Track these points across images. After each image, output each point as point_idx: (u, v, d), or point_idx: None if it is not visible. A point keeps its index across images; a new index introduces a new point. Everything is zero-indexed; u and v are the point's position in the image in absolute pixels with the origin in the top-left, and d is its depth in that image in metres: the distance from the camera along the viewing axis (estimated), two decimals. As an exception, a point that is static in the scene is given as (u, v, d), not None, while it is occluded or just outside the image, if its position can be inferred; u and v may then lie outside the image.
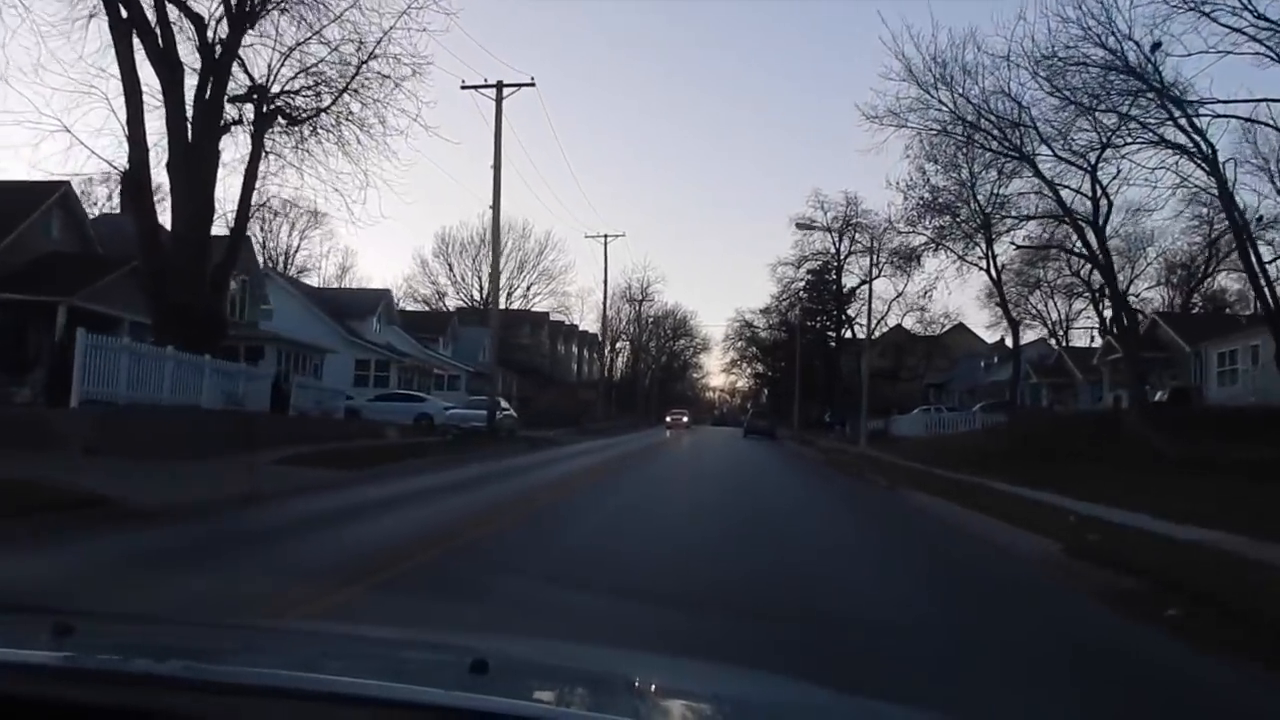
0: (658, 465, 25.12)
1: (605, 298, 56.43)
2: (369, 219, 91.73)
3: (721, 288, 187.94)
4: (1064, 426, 25.39)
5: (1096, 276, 62.82)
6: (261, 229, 71.77)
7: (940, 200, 37.69)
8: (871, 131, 29.74)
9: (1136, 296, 57.49)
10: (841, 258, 66.46)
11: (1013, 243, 34.31)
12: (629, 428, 59.36)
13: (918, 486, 17.56)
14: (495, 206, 26.90)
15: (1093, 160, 26.78)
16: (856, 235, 65.50)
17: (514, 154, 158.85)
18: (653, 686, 1.86)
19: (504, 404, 33.45)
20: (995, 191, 35.05)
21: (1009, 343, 72.18)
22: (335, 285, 71.08)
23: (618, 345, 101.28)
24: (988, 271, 38.92)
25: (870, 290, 38.90)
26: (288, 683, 1.45)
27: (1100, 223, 27.39)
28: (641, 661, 2.30)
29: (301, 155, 23.19)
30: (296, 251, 73.44)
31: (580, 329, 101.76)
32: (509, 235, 72.82)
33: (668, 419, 72.96)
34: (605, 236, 56.00)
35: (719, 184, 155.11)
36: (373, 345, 43.78)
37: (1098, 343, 64.91)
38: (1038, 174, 27.31)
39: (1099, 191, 27.13)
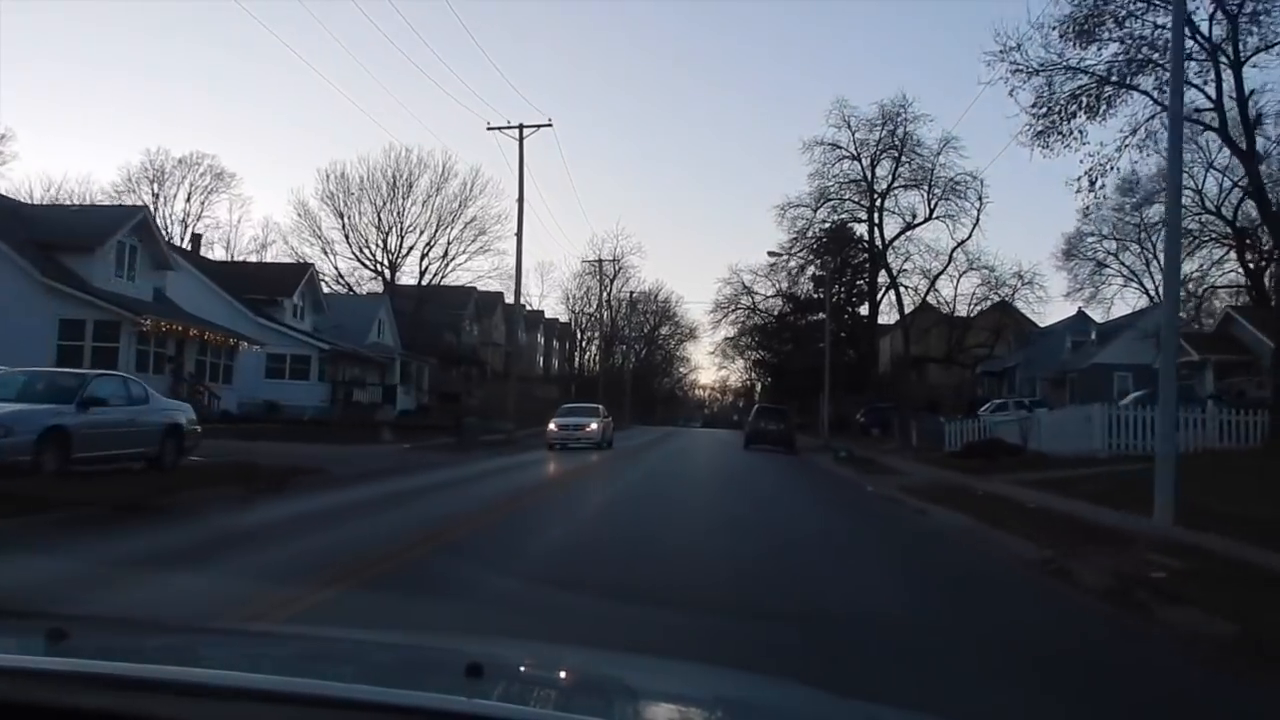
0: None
1: (521, 215, 37.69)
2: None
3: (711, 272, 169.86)
4: None
5: (1245, 211, 41.80)
6: (154, 194, 55.11)
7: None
8: None
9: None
10: (878, 193, 48.06)
11: None
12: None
13: None
14: None
15: None
16: (902, 159, 47.34)
17: (443, 79, 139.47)
18: (649, 690, 1.84)
19: (145, 393, 14.45)
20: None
21: (1094, 314, 53.18)
22: (251, 261, 53.30)
23: (588, 333, 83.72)
24: (1221, 129, 20.55)
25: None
26: (285, 686, 1.42)
27: None
28: (638, 665, 2.28)
29: None
30: (198, 219, 56.44)
31: (548, 317, 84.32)
32: (424, 175, 54.20)
33: (551, 426, 30.34)
34: (521, 126, 36.10)
35: (709, 153, 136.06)
36: (98, 297, 25.09)
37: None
38: None
39: None
